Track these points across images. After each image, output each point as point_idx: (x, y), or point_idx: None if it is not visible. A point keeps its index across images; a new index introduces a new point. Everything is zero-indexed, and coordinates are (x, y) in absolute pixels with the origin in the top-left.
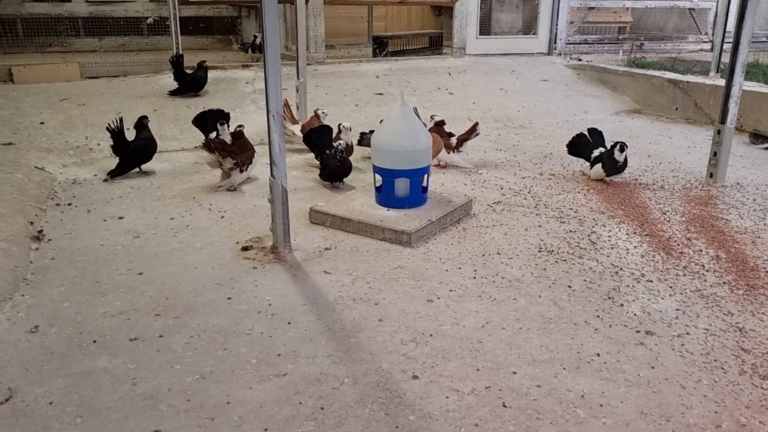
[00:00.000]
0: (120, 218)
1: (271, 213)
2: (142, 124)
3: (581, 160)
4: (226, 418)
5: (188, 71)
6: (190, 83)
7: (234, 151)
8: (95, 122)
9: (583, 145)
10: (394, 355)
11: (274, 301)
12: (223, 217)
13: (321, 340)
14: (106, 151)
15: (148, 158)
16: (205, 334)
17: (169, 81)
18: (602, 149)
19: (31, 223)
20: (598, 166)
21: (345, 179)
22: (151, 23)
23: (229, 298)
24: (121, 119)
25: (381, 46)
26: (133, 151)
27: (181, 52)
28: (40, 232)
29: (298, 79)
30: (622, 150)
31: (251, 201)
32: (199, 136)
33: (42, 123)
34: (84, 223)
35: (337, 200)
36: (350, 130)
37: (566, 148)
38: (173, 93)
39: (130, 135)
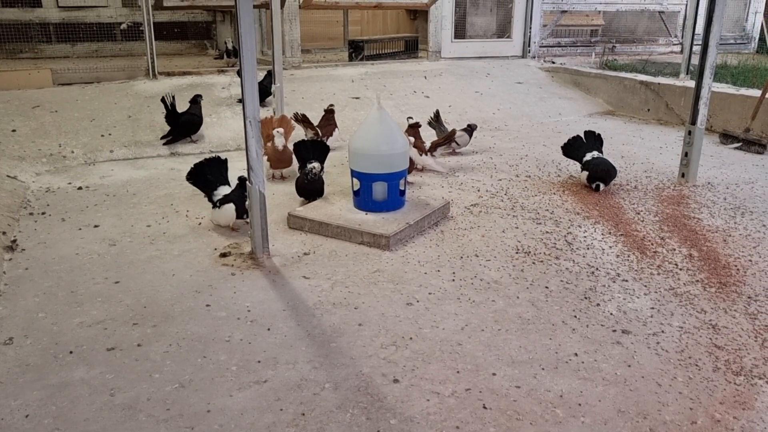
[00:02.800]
0: (95, 226)
1: (249, 218)
2: (195, 101)
3: (557, 162)
4: (206, 427)
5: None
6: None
7: (310, 122)
8: (68, 129)
9: (576, 147)
10: (374, 359)
11: (253, 307)
12: (200, 223)
13: (301, 346)
14: (81, 159)
15: (195, 130)
16: (184, 342)
17: (144, 87)
18: (596, 153)
19: (4, 233)
20: (586, 174)
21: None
22: (124, 29)
23: (207, 305)
24: (173, 96)
25: (357, 50)
26: (183, 123)
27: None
28: (14, 242)
29: (274, 83)
30: (597, 189)
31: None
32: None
33: (14, 131)
34: (58, 232)
35: (315, 205)
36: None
37: (561, 150)
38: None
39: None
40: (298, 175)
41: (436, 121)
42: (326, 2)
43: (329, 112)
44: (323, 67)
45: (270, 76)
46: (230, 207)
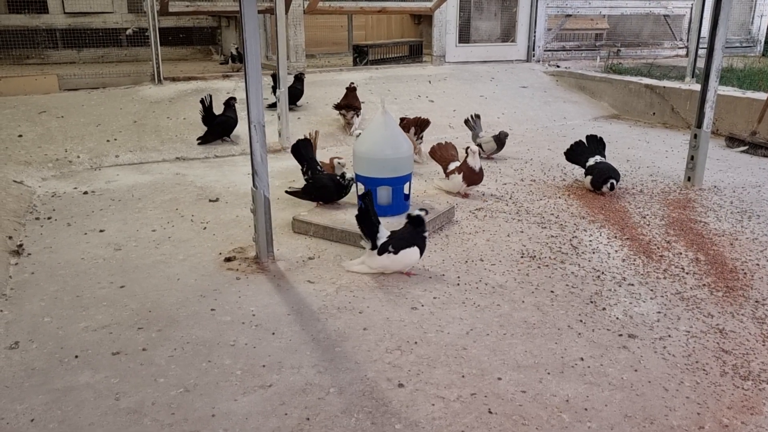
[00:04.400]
0: (101, 231)
1: (253, 223)
2: (229, 104)
3: (562, 166)
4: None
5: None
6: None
7: (355, 106)
8: (74, 134)
9: (579, 152)
10: (379, 363)
11: (258, 311)
12: (205, 228)
13: (306, 350)
14: (86, 164)
15: (229, 131)
16: (189, 347)
17: (149, 92)
18: (599, 157)
19: (10, 237)
20: (589, 178)
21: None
22: (130, 34)
23: (212, 310)
24: (210, 96)
25: (361, 55)
26: (217, 124)
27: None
28: (20, 246)
29: (279, 88)
30: (612, 188)
31: (234, 211)
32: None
33: (20, 136)
34: (64, 237)
35: (320, 209)
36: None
37: (564, 156)
38: (271, 106)
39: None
40: (311, 178)
41: (472, 122)
42: (330, 7)
43: (352, 90)
44: (328, 71)
45: (298, 80)
46: (414, 251)
